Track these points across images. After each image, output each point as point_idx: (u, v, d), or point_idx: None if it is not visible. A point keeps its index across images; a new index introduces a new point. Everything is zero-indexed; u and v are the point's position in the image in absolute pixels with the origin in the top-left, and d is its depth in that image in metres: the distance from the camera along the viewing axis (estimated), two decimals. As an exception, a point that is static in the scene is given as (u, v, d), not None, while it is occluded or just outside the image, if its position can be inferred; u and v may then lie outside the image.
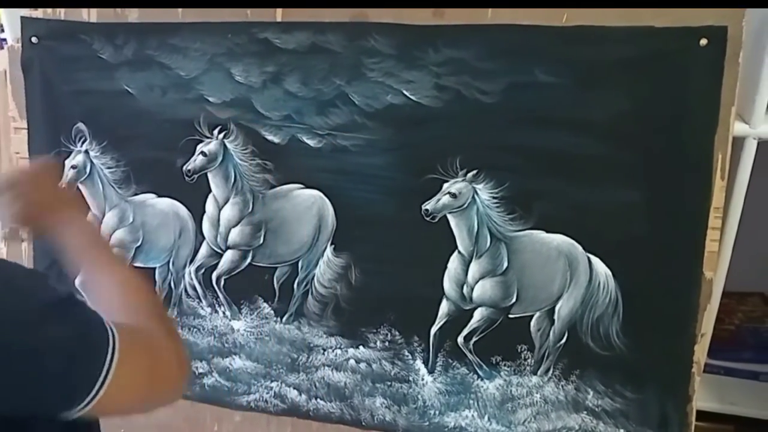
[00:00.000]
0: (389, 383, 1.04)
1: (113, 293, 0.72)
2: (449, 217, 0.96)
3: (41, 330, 0.53)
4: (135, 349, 0.60)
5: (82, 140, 1.11)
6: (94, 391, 0.55)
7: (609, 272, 0.92)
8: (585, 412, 0.97)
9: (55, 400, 0.55)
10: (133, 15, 1.05)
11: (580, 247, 0.93)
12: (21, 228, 1.04)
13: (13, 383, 0.52)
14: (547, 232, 0.94)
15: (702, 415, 0.97)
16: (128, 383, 0.58)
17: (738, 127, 0.85)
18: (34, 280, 0.59)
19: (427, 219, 0.96)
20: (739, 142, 0.86)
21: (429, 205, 0.96)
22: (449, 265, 0.98)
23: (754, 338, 1.20)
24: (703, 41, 0.82)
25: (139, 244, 1.13)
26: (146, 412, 0.67)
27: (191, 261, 1.11)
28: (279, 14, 0.99)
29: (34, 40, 1.09)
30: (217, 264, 1.10)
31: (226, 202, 1.07)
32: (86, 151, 1.11)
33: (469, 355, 0.99)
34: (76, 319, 0.57)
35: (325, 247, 1.03)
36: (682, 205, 0.88)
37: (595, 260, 0.93)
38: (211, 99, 1.04)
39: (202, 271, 1.11)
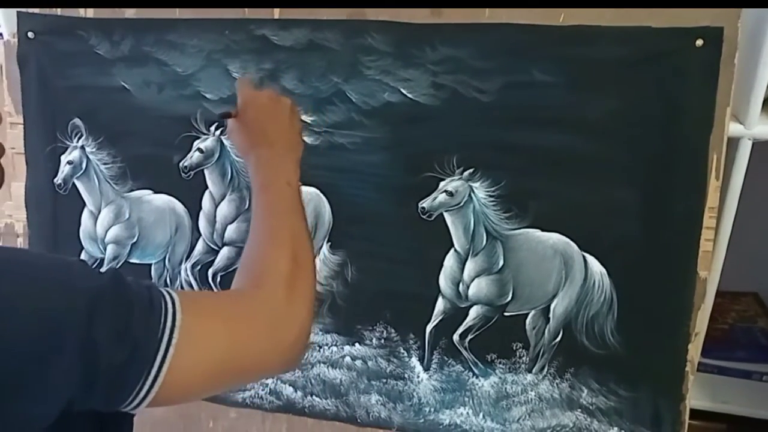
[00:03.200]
0: (385, 380, 1.04)
1: (254, 245, 0.70)
2: (446, 215, 0.97)
3: (76, 327, 0.49)
4: (206, 324, 0.55)
5: (78, 136, 1.11)
6: (150, 378, 0.51)
7: (604, 271, 0.93)
8: (579, 410, 0.97)
9: (107, 394, 0.51)
10: (130, 11, 1.05)
11: (575, 246, 0.93)
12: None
13: (56, 382, 0.48)
14: (543, 230, 0.94)
15: (695, 413, 0.98)
16: (195, 363, 0.54)
17: (733, 128, 0.86)
18: (62, 272, 0.52)
19: (424, 217, 0.96)
20: (734, 143, 0.87)
21: (425, 203, 0.96)
22: (445, 263, 0.98)
23: (746, 337, 1.21)
24: (699, 42, 0.83)
25: (135, 240, 1.13)
26: (240, 385, 0.61)
27: (187, 257, 1.11)
28: (276, 12, 0.99)
29: (30, 35, 1.09)
30: (214, 260, 1.09)
31: (222, 199, 1.07)
32: (82, 147, 1.11)
33: (464, 352, 1.00)
34: (116, 309, 0.51)
35: (322, 245, 1.03)
36: (677, 204, 0.88)
37: (591, 259, 0.93)
38: (208, 95, 1.03)
39: (199, 267, 1.11)
